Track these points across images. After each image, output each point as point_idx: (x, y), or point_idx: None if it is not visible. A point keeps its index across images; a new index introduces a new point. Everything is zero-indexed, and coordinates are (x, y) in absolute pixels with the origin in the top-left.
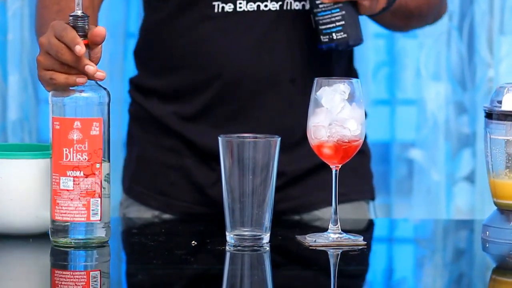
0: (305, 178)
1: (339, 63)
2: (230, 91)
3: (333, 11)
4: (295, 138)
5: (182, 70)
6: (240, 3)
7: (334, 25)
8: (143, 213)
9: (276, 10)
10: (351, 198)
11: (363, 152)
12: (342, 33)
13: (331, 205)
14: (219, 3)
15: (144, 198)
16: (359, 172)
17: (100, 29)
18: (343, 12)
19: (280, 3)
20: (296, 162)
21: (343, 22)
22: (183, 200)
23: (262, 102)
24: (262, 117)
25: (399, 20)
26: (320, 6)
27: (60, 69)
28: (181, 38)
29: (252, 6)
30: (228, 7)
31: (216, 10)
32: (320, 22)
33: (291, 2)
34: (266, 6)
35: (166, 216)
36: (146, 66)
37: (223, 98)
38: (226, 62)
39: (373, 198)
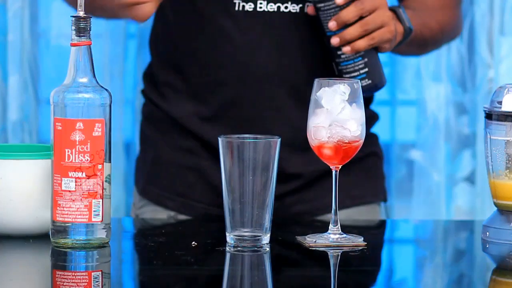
0: (321, 180)
1: None
2: (247, 91)
3: (355, 60)
4: None
5: (198, 64)
6: (261, 3)
7: (358, 73)
8: (159, 214)
9: (296, 12)
10: (366, 201)
11: (376, 154)
12: (366, 79)
13: (345, 207)
14: (240, 1)
15: (160, 199)
16: (374, 174)
17: None
18: (366, 60)
19: (300, 5)
20: (312, 164)
21: (366, 70)
22: (199, 201)
23: (279, 104)
24: (279, 119)
25: (414, 49)
26: (342, 56)
27: None
28: (198, 32)
29: (272, 7)
30: (249, 6)
31: (236, 8)
32: (344, 71)
33: None
34: (286, 7)
35: (182, 217)
36: (160, 58)
37: (239, 99)
38: (242, 60)
39: (385, 200)
